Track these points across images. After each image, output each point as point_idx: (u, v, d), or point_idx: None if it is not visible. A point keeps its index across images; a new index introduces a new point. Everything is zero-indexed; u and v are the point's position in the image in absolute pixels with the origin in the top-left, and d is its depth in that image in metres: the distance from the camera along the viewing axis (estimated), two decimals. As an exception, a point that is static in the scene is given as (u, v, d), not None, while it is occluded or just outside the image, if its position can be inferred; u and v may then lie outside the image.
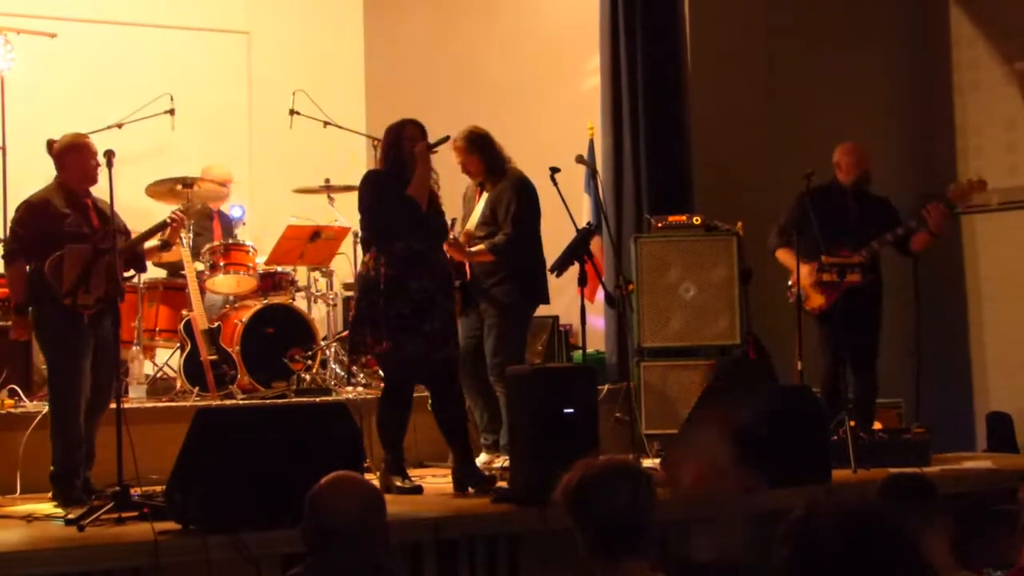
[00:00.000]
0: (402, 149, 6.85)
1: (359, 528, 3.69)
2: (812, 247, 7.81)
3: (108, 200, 6.42)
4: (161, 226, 7.07)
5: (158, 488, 5.84)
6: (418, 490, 6.71)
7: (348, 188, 8.97)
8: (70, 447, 6.52)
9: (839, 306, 7.75)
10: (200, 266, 8.65)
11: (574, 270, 7.14)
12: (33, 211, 6.69)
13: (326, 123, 9.45)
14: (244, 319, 8.47)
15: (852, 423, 7.32)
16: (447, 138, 7.06)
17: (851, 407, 7.62)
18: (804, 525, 2.47)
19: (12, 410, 7.44)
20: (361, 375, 8.56)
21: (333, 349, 8.73)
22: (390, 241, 6.77)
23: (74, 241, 6.58)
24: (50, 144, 7.01)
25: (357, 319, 6.86)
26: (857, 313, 7.78)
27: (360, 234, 7.63)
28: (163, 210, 8.05)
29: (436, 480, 7.24)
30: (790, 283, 7.98)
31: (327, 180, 9.50)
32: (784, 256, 8.11)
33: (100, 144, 6.78)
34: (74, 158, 6.75)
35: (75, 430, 6.53)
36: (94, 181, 6.78)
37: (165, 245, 7.26)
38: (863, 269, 7.80)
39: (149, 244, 7.16)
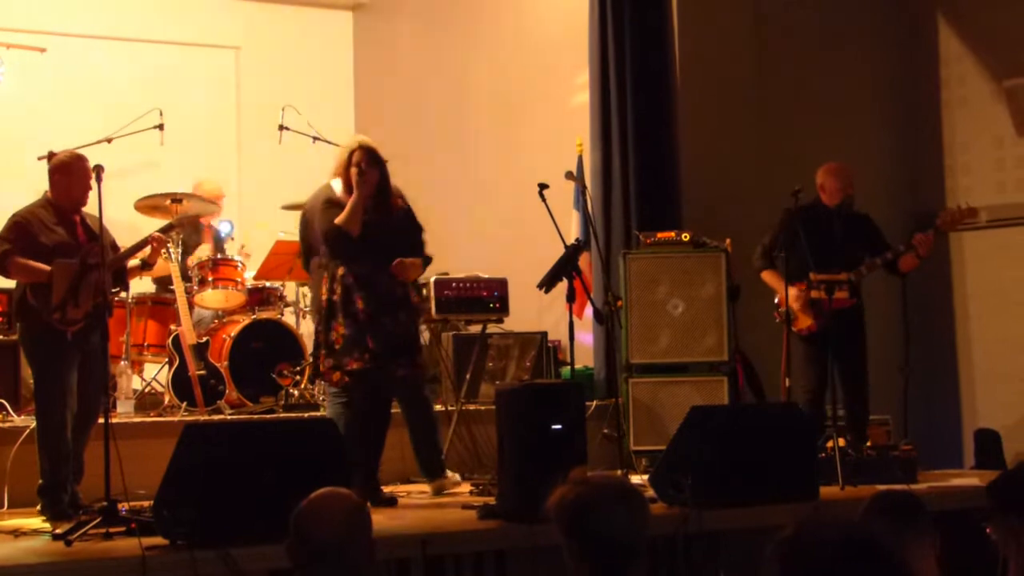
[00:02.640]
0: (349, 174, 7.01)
1: (345, 544, 3.69)
2: (799, 267, 7.81)
3: (96, 215, 6.41)
4: (143, 243, 7.06)
5: (146, 503, 5.82)
6: (392, 502, 6.81)
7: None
8: (57, 461, 6.51)
9: (826, 329, 7.75)
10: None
11: (562, 286, 7.13)
12: (19, 227, 6.67)
13: (315, 138, 9.45)
14: (232, 334, 8.47)
15: (841, 440, 7.34)
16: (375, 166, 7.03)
17: (845, 425, 7.66)
18: (794, 543, 2.47)
19: (0, 424, 7.42)
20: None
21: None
22: (335, 267, 6.98)
23: (61, 256, 6.57)
24: (50, 156, 6.99)
25: (315, 342, 7.14)
26: (845, 336, 7.79)
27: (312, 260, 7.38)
28: (152, 225, 8.04)
29: (422, 497, 7.24)
30: (776, 301, 7.98)
31: (316, 195, 9.49)
32: (769, 277, 8.12)
33: (89, 159, 6.76)
34: (61, 180, 6.75)
35: (61, 444, 6.51)
36: (80, 204, 6.78)
37: (146, 265, 7.23)
38: (851, 287, 7.81)
39: (132, 263, 7.15)
